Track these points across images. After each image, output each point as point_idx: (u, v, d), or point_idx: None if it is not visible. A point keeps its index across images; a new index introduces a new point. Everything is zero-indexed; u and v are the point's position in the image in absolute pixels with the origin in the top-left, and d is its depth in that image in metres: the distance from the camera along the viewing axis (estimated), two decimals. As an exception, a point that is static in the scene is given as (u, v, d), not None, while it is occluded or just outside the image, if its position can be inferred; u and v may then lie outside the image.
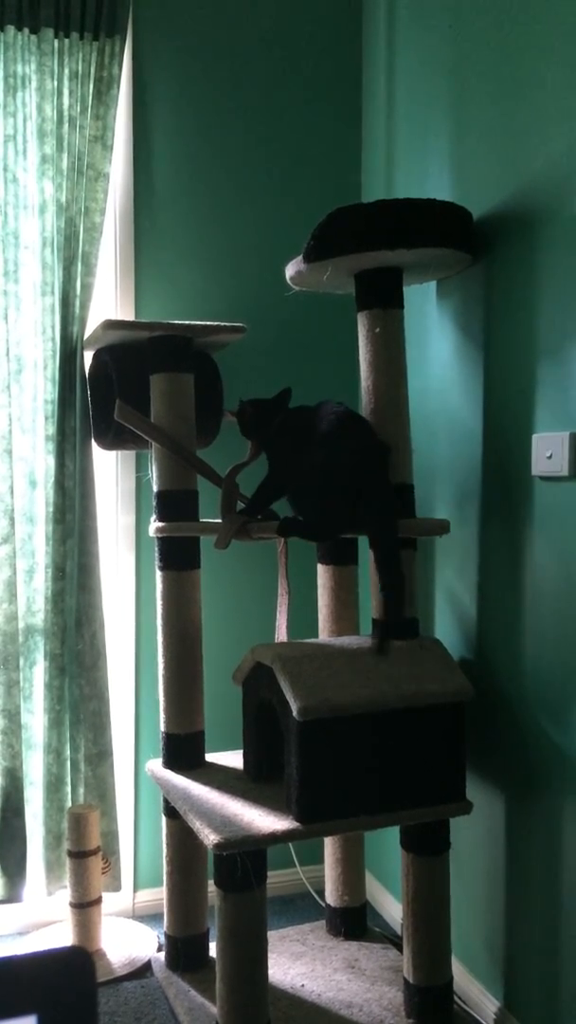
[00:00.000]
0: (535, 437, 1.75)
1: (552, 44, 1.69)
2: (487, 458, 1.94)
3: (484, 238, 1.92)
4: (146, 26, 2.38)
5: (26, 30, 2.20)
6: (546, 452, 1.71)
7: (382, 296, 1.92)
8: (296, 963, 2.12)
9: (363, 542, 2.44)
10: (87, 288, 2.26)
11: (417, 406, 2.23)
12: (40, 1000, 0.66)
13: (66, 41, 2.22)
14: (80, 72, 2.23)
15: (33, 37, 2.21)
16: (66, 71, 2.22)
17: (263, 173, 2.51)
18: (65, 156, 2.23)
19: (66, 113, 2.23)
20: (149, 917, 2.43)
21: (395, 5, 2.34)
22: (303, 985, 2.03)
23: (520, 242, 1.80)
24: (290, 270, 2.01)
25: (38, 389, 2.27)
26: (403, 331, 1.93)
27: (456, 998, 2.00)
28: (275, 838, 1.66)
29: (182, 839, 2.08)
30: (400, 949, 2.18)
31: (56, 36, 2.21)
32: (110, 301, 2.41)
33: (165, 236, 2.43)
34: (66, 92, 2.23)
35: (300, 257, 1.93)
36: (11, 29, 2.19)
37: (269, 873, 2.47)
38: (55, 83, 2.22)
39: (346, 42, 2.57)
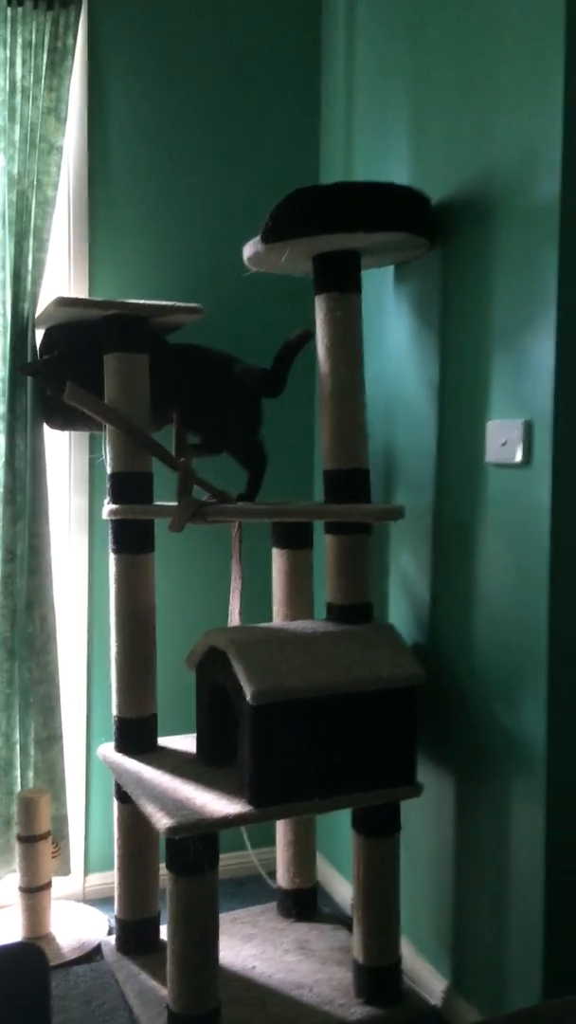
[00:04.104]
0: (489, 424, 1.76)
1: (510, 32, 1.69)
2: (442, 444, 1.95)
3: (442, 224, 1.92)
4: (102, -4, 2.33)
5: (-23, -4, 2.13)
6: (500, 439, 1.72)
7: (340, 279, 1.91)
8: (247, 945, 2.13)
9: (318, 527, 2.44)
10: (39, 264, 2.21)
11: (373, 391, 2.23)
12: None
13: (19, 10, 2.16)
14: (34, 42, 2.17)
15: (-15, 4, 2.14)
16: (19, 41, 2.16)
17: (221, 150, 2.47)
18: (17, 128, 2.17)
19: (19, 84, 2.17)
20: (100, 901, 2.42)
21: (356, -16, 2.32)
22: (254, 967, 2.04)
23: (477, 229, 1.80)
24: (247, 251, 1.99)
25: (-12, 367, 2.22)
26: (360, 315, 1.93)
27: (404, 977, 2.03)
28: (228, 822, 1.66)
29: (133, 823, 2.07)
30: (350, 930, 2.20)
31: (9, 4, 2.15)
32: (63, 278, 2.37)
33: (120, 212, 2.39)
34: (19, 62, 2.17)
35: (258, 238, 1.91)
36: (-38, -6, 2.12)
37: (220, 855, 2.48)
38: (7, 53, 2.16)
39: (306, 22, 2.54)
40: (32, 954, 0.66)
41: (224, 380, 2.11)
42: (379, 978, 1.89)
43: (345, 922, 2.26)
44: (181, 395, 2.14)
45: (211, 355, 2.16)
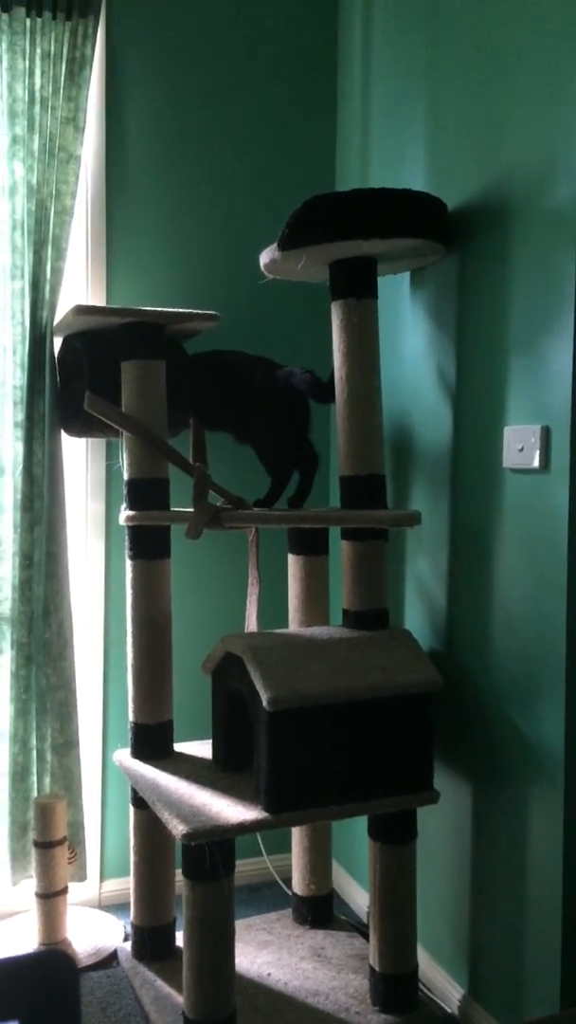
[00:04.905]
0: (507, 430, 1.76)
1: (527, 36, 1.69)
2: (459, 450, 1.94)
3: (458, 229, 1.92)
4: (120, 7, 2.34)
5: (-3, 7, 2.16)
6: (517, 445, 1.72)
7: (356, 286, 1.91)
8: (262, 952, 2.13)
9: (334, 532, 2.44)
10: (57, 272, 2.23)
11: (390, 397, 2.23)
12: (22, 1005, 0.65)
13: (38, 20, 2.18)
14: (52, 52, 2.19)
15: (4, 16, 2.16)
16: (38, 51, 2.18)
17: (237, 158, 2.49)
18: (36, 137, 2.19)
19: (37, 94, 2.19)
20: (115, 907, 2.43)
21: (372, -7, 2.33)
22: (269, 974, 2.03)
23: (493, 234, 1.80)
24: (264, 258, 2.00)
25: (7, 374, 2.23)
26: (377, 321, 1.93)
27: (421, 985, 2.02)
28: (244, 828, 1.66)
29: (149, 829, 2.07)
30: (366, 937, 2.19)
31: (28, 15, 2.17)
32: (81, 286, 2.38)
33: (137, 221, 2.40)
34: (38, 72, 2.19)
35: (275, 245, 1.92)
36: (-18, 6, 2.14)
37: (236, 862, 2.47)
38: (26, 63, 2.18)
39: (322, 29, 2.55)
40: (60, 961, 0.66)
41: (245, 386, 2.10)
42: (395, 986, 1.88)
43: (361, 929, 2.25)
44: (199, 402, 2.14)
45: (231, 360, 2.15)
